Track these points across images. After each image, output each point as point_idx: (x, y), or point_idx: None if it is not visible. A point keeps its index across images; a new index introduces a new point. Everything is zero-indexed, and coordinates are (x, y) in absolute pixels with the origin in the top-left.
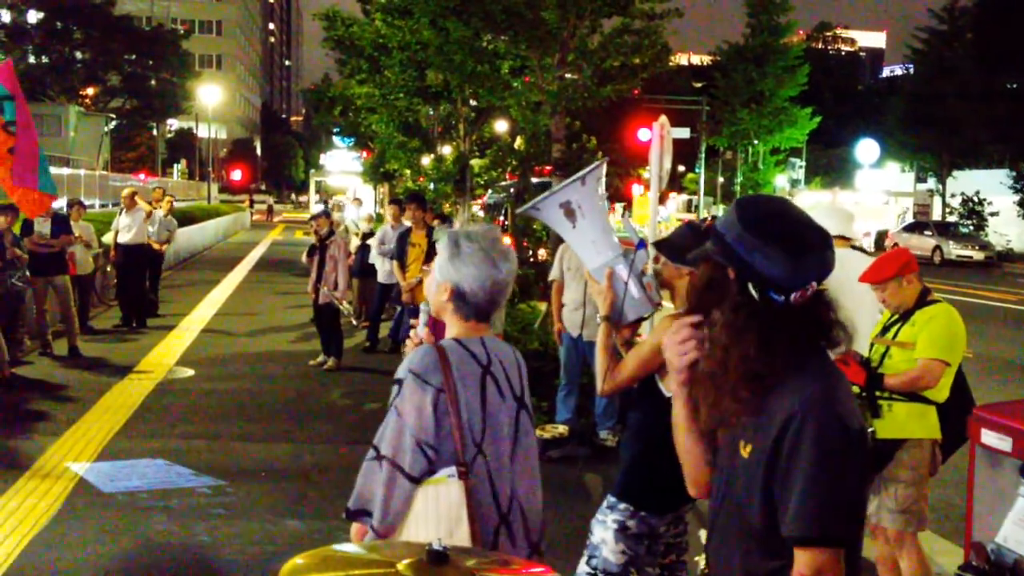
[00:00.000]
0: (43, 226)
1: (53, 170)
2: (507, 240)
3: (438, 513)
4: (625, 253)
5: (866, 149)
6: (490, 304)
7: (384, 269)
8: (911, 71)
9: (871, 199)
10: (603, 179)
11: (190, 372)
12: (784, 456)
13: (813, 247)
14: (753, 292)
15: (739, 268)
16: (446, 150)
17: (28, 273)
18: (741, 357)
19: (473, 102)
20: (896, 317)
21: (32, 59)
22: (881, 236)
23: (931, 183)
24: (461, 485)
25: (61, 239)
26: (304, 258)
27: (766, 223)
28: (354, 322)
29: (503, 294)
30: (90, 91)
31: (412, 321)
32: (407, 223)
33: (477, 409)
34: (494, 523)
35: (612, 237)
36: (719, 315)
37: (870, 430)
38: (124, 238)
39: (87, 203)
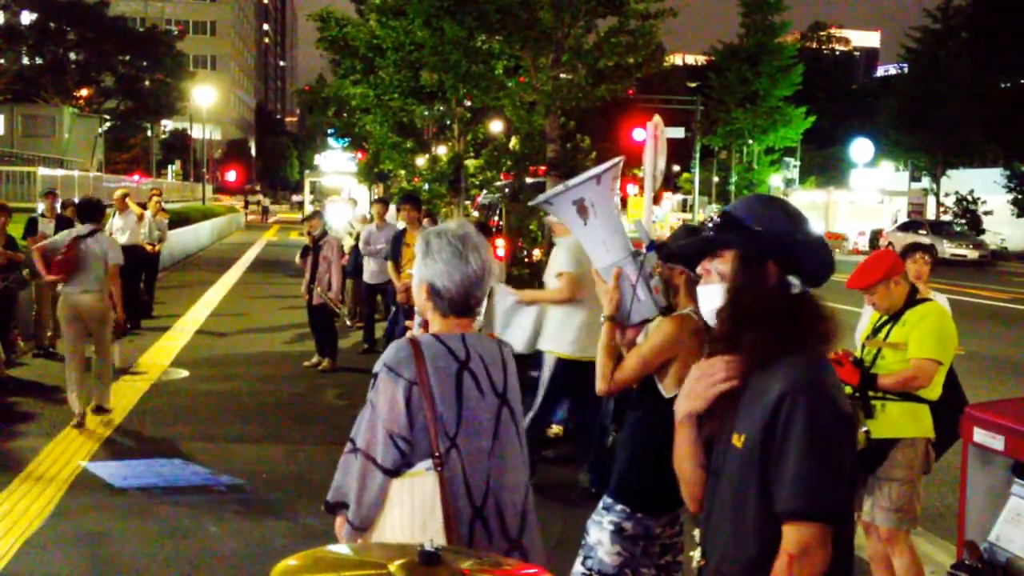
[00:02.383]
0: (47, 227)
1: (47, 171)
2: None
3: (412, 505)
4: (634, 254)
5: (860, 148)
6: (464, 298)
7: (369, 269)
8: (905, 70)
9: (865, 198)
10: (619, 179)
11: (184, 373)
12: (778, 436)
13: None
14: (785, 277)
15: (782, 253)
16: (441, 150)
17: (24, 273)
18: (755, 333)
19: (468, 102)
20: (886, 318)
21: (26, 60)
22: (875, 235)
23: (925, 182)
24: (436, 477)
25: None
26: (298, 259)
27: (805, 218)
28: (348, 323)
29: (479, 287)
30: (84, 92)
31: (407, 323)
32: (401, 224)
33: (452, 403)
34: (468, 516)
35: (623, 237)
36: (742, 292)
37: (864, 430)
38: (118, 240)
39: None
